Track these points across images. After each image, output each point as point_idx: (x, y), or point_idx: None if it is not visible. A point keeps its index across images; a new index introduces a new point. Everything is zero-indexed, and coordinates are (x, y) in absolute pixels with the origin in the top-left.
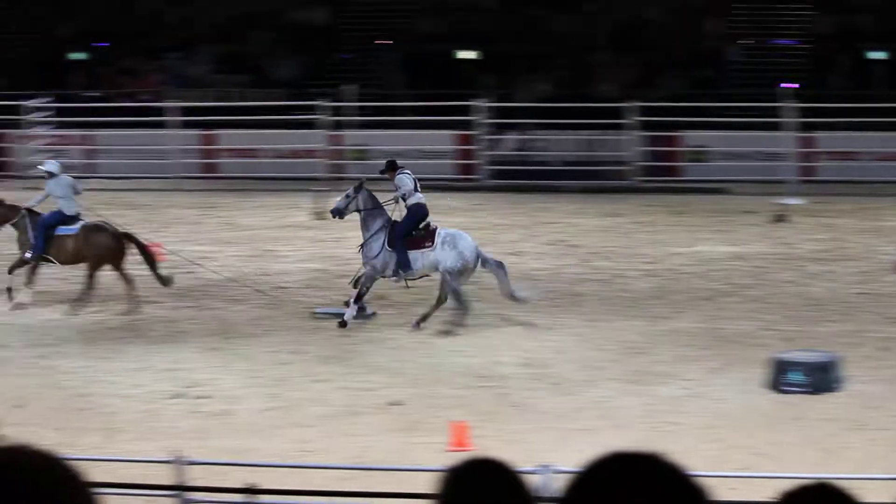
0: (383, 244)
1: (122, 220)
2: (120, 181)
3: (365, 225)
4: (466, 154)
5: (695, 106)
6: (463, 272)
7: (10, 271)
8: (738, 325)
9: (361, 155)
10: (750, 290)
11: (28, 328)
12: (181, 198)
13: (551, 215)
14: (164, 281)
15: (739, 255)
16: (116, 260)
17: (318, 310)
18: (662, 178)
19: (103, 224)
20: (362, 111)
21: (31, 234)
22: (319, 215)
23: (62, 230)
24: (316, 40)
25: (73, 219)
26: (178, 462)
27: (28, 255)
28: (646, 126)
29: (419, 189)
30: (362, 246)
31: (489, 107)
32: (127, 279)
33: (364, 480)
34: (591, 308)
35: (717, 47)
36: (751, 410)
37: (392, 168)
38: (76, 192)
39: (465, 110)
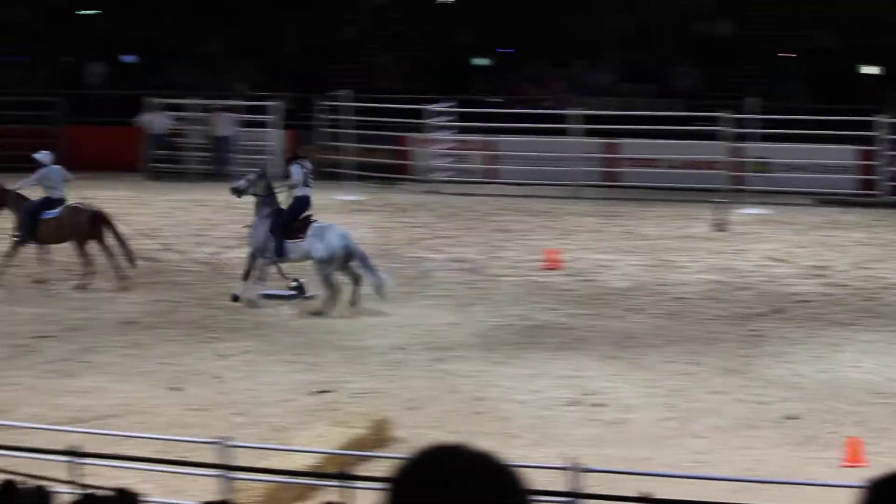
0: (267, 229)
1: (523, 226)
2: (520, 187)
3: (257, 209)
4: (867, 170)
5: None
6: (331, 261)
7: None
8: None
9: (763, 168)
10: None
11: (427, 332)
12: (581, 206)
13: None
14: (131, 259)
15: None
16: (92, 238)
17: (262, 292)
18: None
19: (82, 206)
20: (764, 124)
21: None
22: (719, 227)
23: (46, 214)
24: (719, 52)
25: (58, 202)
26: (574, 469)
27: (17, 238)
28: None
29: (310, 183)
30: (251, 227)
31: (891, 123)
32: (87, 259)
33: (757, 493)
34: None
35: None
36: None
37: (294, 158)
38: (65, 180)
39: (867, 126)
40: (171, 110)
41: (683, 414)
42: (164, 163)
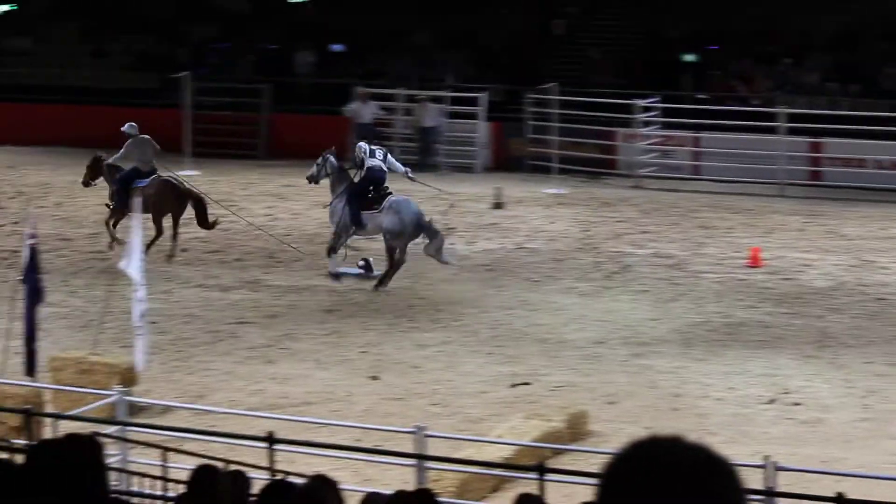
0: (345, 203)
1: (726, 223)
2: (724, 184)
3: (332, 187)
4: None
5: None
6: (399, 235)
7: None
8: None
9: None
10: None
11: (626, 327)
12: (785, 204)
13: None
14: (210, 226)
15: None
16: (175, 212)
17: (330, 270)
18: None
19: (173, 180)
20: None
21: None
22: None
23: (138, 183)
24: None
25: (149, 174)
26: (770, 467)
27: (113, 206)
28: None
29: (380, 158)
30: (330, 205)
31: None
32: (175, 232)
33: None
34: None
35: None
36: None
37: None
38: (154, 151)
39: None
40: (378, 100)
41: (880, 415)
42: None
